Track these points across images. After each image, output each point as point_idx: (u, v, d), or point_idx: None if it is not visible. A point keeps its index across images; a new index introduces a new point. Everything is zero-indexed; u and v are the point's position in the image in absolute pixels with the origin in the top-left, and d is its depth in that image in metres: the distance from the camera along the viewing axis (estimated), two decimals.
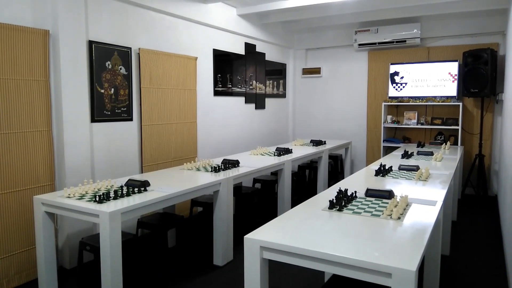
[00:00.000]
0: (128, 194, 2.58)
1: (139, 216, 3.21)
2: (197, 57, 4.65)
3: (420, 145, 5.05)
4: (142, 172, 3.92)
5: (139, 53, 3.86)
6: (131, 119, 3.85)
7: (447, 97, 5.59)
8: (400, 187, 2.66)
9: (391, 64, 5.99)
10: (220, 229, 3.27)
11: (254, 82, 5.89)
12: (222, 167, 3.54)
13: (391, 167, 3.27)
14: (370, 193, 2.37)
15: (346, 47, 6.57)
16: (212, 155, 4.94)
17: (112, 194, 2.56)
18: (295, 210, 2.10)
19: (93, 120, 3.46)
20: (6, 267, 2.88)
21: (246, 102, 5.74)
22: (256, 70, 5.91)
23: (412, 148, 4.88)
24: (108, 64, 3.57)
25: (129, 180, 2.84)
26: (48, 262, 2.62)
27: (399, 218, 1.94)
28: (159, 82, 4.11)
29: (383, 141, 6.05)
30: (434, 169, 3.35)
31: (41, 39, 3.04)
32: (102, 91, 3.53)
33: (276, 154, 4.44)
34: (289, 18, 5.76)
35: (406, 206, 2.15)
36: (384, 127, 6.04)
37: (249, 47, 5.73)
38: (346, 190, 2.32)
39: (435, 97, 5.67)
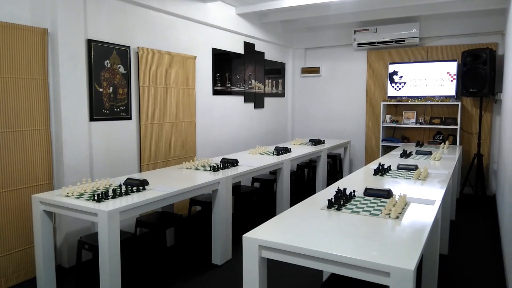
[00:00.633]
0: (126, 193, 2.58)
1: (138, 215, 3.21)
2: (196, 56, 4.65)
3: (418, 144, 5.05)
4: (140, 171, 3.92)
5: (138, 52, 3.86)
6: (129, 118, 3.84)
7: (446, 97, 5.60)
8: (399, 186, 2.66)
9: (390, 63, 5.99)
10: (218, 228, 3.27)
11: (253, 81, 5.89)
12: (221, 166, 3.53)
13: (389, 166, 3.27)
14: (368, 192, 2.37)
15: (345, 47, 6.57)
16: (211, 154, 4.94)
17: (110, 193, 2.56)
18: (294, 209, 2.11)
19: (91, 119, 3.46)
20: (4, 265, 2.88)
21: (245, 101, 5.74)
22: (255, 69, 5.91)
23: (410, 147, 4.89)
24: (107, 63, 3.57)
25: (128, 179, 2.84)
26: (46, 261, 2.62)
27: (397, 217, 1.95)
28: (158, 81, 4.11)
29: (382, 141, 6.05)
30: (432, 168, 3.36)
31: (39, 37, 3.04)
32: (101, 90, 3.53)
33: (275, 153, 4.44)
34: (288, 18, 5.76)
35: (405, 205, 2.16)
36: (383, 126, 6.04)
37: (248, 46, 5.73)
38: (344, 190, 2.33)
39: (434, 96, 5.68)
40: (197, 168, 3.54)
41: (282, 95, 6.86)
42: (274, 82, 6.54)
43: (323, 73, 6.88)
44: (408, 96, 5.87)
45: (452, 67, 5.54)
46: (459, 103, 5.44)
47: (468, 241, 3.86)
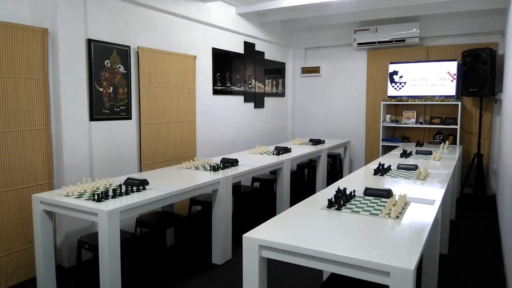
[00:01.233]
0: (126, 193, 2.58)
1: (138, 215, 3.21)
2: (196, 56, 4.65)
3: (418, 144, 5.05)
4: (140, 171, 3.92)
5: (138, 52, 3.86)
6: (130, 118, 3.84)
7: (446, 97, 5.59)
8: (399, 186, 2.66)
9: (390, 63, 5.99)
10: (219, 228, 3.27)
11: (253, 81, 5.89)
12: (221, 166, 3.53)
13: (389, 166, 3.27)
14: (368, 192, 2.37)
15: (345, 46, 6.56)
16: (211, 154, 4.94)
17: (110, 193, 2.55)
18: (294, 209, 2.11)
19: (91, 118, 3.46)
20: (4, 265, 2.88)
21: (245, 101, 5.74)
22: (255, 69, 5.91)
23: (411, 147, 4.89)
24: (107, 63, 3.56)
25: (128, 178, 2.84)
26: (46, 260, 2.62)
27: (397, 217, 1.95)
28: (158, 81, 4.11)
29: (382, 140, 6.05)
30: (432, 168, 3.36)
31: (39, 37, 3.04)
32: (101, 89, 3.53)
33: (275, 153, 4.44)
34: (289, 17, 5.76)
35: (405, 205, 2.16)
36: (383, 126, 6.04)
37: (248, 46, 5.73)
38: (344, 189, 2.33)
39: (434, 96, 5.68)
40: (197, 168, 3.54)
41: (282, 95, 6.86)
42: (274, 82, 6.54)
43: (323, 73, 6.88)
44: (408, 96, 5.87)
45: (452, 67, 5.54)
46: (459, 103, 5.44)
47: (468, 241, 3.86)
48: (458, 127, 5.46)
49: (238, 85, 5.54)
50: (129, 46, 3.78)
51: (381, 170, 3.12)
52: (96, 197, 2.42)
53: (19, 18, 2.92)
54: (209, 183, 3.09)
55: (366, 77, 6.45)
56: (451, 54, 5.70)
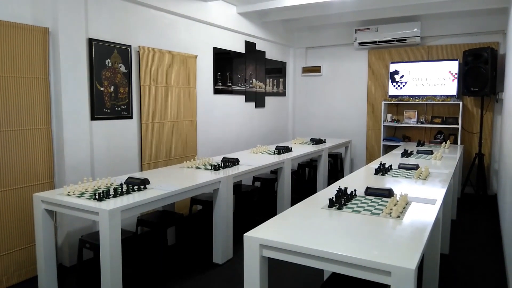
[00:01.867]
0: (127, 192, 2.58)
1: (139, 214, 3.21)
2: (197, 55, 4.65)
3: (420, 144, 5.05)
4: (141, 170, 3.92)
5: (139, 51, 3.86)
6: (130, 117, 3.85)
7: (447, 96, 5.59)
8: (400, 185, 2.66)
9: (391, 62, 5.98)
10: (219, 227, 3.27)
11: (254, 80, 5.88)
12: (222, 165, 3.53)
13: (390, 165, 3.27)
14: (369, 191, 2.37)
15: (346, 46, 6.56)
16: (212, 153, 4.94)
17: (111, 192, 2.56)
18: (295, 209, 2.11)
19: (92, 118, 3.46)
20: (5, 264, 2.89)
21: (246, 100, 5.74)
22: (256, 69, 5.91)
23: (412, 147, 4.88)
24: (108, 62, 3.57)
25: (129, 178, 2.84)
26: (47, 259, 2.63)
27: (398, 216, 1.94)
28: (159, 80, 4.11)
29: (383, 140, 6.05)
30: (433, 168, 3.35)
31: (41, 36, 3.04)
32: (102, 89, 3.53)
33: (276, 152, 4.44)
34: (289, 17, 5.76)
35: (406, 204, 2.16)
36: (384, 125, 6.04)
37: (249, 46, 5.72)
38: (345, 189, 2.33)
39: (435, 96, 5.67)
40: (198, 167, 3.54)
41: (283, 94, 6.86)
42: (275, 81, 6.54)
43: (324, 72, 6.88)
44: (409, 96, 5.87)
45: (453, 66, 5.53)
46: (460, 103, 5.43)
47: (469, 240, 3.85)
48: (459, 126, 5.45)
49: (239, 85, 5.54)
50: (130, 46, 3.78)
51: (382, 170, 3.12)
52: (97, 196, 2.42)
53: (20, 18, 2.92)
54: (210, 183, 3.09)
55: (367, 77, 6.44)
56: (452, 54, 5.69)
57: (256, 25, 5.78)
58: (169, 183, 2.87)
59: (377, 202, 2.21)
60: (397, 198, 2.19)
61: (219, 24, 4.97)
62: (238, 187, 4.14)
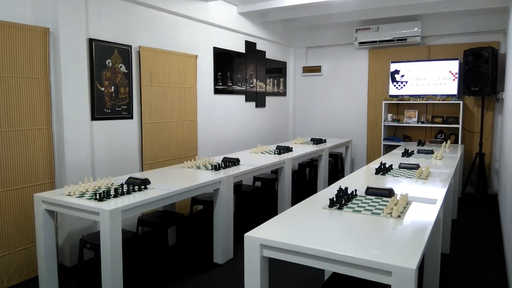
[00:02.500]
0: (128, 192, 2.58)
1: (140, 214, 3.21)
2: (197, 55, 4.65)
3: (420, 143, 5.04)
4: (142, 170, 3.92)
5: (139, 51, 3.86)
6: (131, 117, 3.85)
7: (448, 96, 5.58)
8: (400, 185, 2.66)
9: (392, 62, 5.98)
10: (220, 227, 3.27)
11: (254, 80, 5.88)
12: (223, 165, 3.54)
13: (391, 165, 3.27)
14: (370, 191, 2.37)
15: (346, 45, 6.56)
16: (213, 153, 4.94)
17: (112, 192, 2.56)
18: (295, 208, 2.11)
19: (93, 118, 3.46)
20: (6, 264, 2.89)
21: (246, 100, 5.74)
22: (256, 68, 5.91)
23: (412, 146, 4.88)
24: (109, 62, 3.57)
25: (130, 178, 2.84)
26: (48, 260, 2.63)
27: (399, 216, 1.94)
28: (160, 80, 4.11)
29: (384, 140, 6.04)
30: (434, 167, 3.35)
31: (41, 37, 3.04)
32: (103, 89, 3.53)
33: (276, 152, 4.44)
34: (290, 16, 5.75)
35: (406, 204, 2.15)
36: (384, 125, 6.03)
37: (250, 45, 5.72)
38: (346, 189, 2.32)
39: (435, 95, 5.67)
40: (198, 167, 3.54)
41: (284, 94, 6.86)
42: (275, 81, 6.53)
43: (325, 72, 6.87)
44: (409, 95, 5.86)
45: (454, 66, 5.53)
46: (461, 102, 5.43)
47: (470, 240, 3.85)
48: (459, 126, 5.45)
49: (239, 85, 5.54)
50: (131, 46, 3.78)
51: (383, 170, 3.12)
52: (98, 197, 2.42)
53: (20, 18, 2.92)
54: (211, 183, 3.09)
55: (367, 76, 6.44)
56: (452, 53, 5.69)
57: (257, 25, 5.78)
58: (169, 183, 2.87)
59: (378, 202, 2.20)
60: (398, 198, 2.19)
61: (219, 24, 4.97)
62: (238, 187, 4.14)
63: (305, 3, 4.84)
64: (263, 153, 4.47)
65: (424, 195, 2.37)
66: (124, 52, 3.71)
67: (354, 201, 2.23)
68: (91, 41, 3.39)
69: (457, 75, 5.51)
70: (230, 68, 5.31)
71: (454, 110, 5.69)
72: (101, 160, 3.55)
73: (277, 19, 5.91)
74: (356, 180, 2.87)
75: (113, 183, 2.85)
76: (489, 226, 4.28)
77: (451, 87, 5.56)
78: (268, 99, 6.34)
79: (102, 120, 3.55)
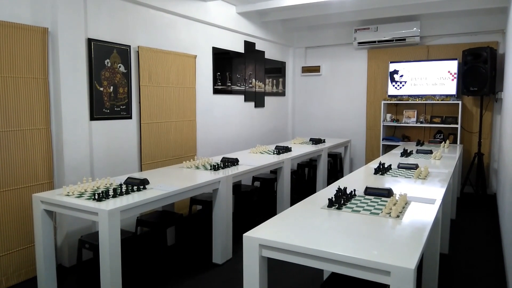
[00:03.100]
0: (127, 192, 2.58)
1: (138, 214, 3.21)
2: (196, 55, 4.64)
3: (419, 143, 5.05)
4: (141, 170, 3.92)
5: (138, 51, 3.85)
6: (130, 117, 3.84)
7: (447, 96, 5.59)
8: (399, 185, 2.66)
9: (391, 62, 5.99)
10: (219, 227, 3.27)
11: (253, 80, 5.88)
12: (222, 165, 3.53)
13: (390, 165, 3.27)
14: (369, 191, 2.37)
15: (345, 46, 6.56)
16: (212, 153, 4.94)
17: (111, 192, 2.56)
18: (294, 208, 2.11)
19: (92, 118, 3.46)
20: (5, 265, 2.88)
21: (245, 100, 5.74)
22: (255, 68, 5.91)
23: (411, 146, 4.88)
24: (107, 62, 3.56)
25: (128, 178, 2.84)
26: (47, 260, 2.62)
27: (398, 216, 1.94)
28: (158, 80, 4.11)
29: (383, 140, 6.05)
30: (433, 167, 3.35)
31: (40, 37, 3.03)
32: (101, 89, 3.53)
33: (275, 152, 4.44)
34: (289, 16, 5.76)
35: (405, 204, 2.16)
36: (383, 125, 6.04)
37: (249, 45, 5.72)
38: (345, 189, 2.33)
39: (434, 95, 5.67)
40: (197, 167, 3.54)
41: (283, 94, 6.86)
42: (274, 81, 6.54)
43: (324, 72, 6.88)
44: (408, 95, 5.87)
45: (452, 66, 5.54)
46: (460, 102, 5.43)
47: (468, 240, 3.86)
48: (458, 126, 5.45)
49: (239, 85, 5.54)
50: (129, 46, 3.77)
51: (382, 170, 3.12)
52: (96, 197, 2.42)
53: (19, 18, 2.92)
54: (210, 183, 3.09)
55: (366, 76, 6.45)
56: (451, 53, 5.69)
57: (256, 25, 5.78)
58: (168, 183, 2.87)
59: (377, 202, 2.21)
60: (397, 198, 2.19)
61: (218, 24, 4.96)
62: (237, 187, 4.14)
63: (304, 3, 4.84)
64: (262, 153, 4.47)
65: (423, 195, 2.37)
66: (123, 52, 3.71)
67: (353, 201, 2.23)
68: (90, 41, 3.39)
69: (456, 75, 5.52)
70: (229, 68, 5.31)
71: (453, 110, 5.70)
72: (100, 160, 3.55)
73: (276, 19, 5.91)
74: (355, 180, 2.87)
75: (112, 183, 2.85)
76: (488, 226, 4.28)
77: (450, 87, 5.56)
78: (267, 99, 6.34)
79: (101, 120, 3.55)
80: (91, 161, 3.45)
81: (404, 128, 6.18)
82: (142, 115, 3.94)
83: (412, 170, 3.16)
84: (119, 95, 3.70)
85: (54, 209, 2.54)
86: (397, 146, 5.50)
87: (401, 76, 5.91)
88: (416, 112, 5.95)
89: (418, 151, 4.25)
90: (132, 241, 2.73)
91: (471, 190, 5.61)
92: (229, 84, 5.33)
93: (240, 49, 5.54)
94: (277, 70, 6.61)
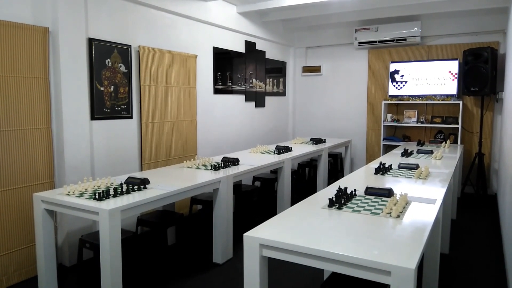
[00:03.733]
0: (127, 192, 2.58)
1: (139, 214, 3.21)
2: (197, 55, 4.65)
3: (420, 143, 5.05)
4: (141, 170, 3.92)
5: (139, 51, 3.86)
6: (130, 117, 3.85)
7: (447, 96, 5.59)
8: (400, 185, 2.66)
9: (391, 62, 5.98)
10: (219, 227, 3.27)
11: (254, 80, 5.88)
12: (222, 165, 3.54)
13: (390, 165, 3.27)
14: (369, 191, 2.37)
15: (346, 45, 6.56)
16: (212, 153, 4.94)
17: (111, 192, 2.56)
18: (295, 208, 2.11)
19: (92, 117, 3.46)
20: (5, 264, 2.89)
21: (246, 100, 5.74)
22: (256, 68, 5.91)
23: (412, 146, 4.88)
24: (108, 62, 3.57)
25: (129, 177, 2.84)
26: (47, 259, 2.63)
27: (398, 216, 1.94)
28: (159, 80, 4.11)
29: (383, 140, 6.05)
30: (433, 167, 3.35)
31: (41, 36, 3.04)
32: (102, 88, 3.53)
33: (276, 152, 4.44)
34: (289, 16, 5.75)
35: (406, 204, 2.16)
36: (384, 125, 6.03)
37: (249, 45, 5.72)
38: (345, 188, 2.33)
39: (435, 95, 5.67)
40: (198, 167, 3.54)
41: (283, 94, 6.86)
42: (275, 81, 6.53)
43: (324, 72, 6.88)
44: (409, 95, 5.87)
45: (453, 66, 5.53)
46: (461, 102, 5.43)
47: (469, 240, 3.85)
48: (459, 126, 5.45)
49: (239, 84, 5.54)
50: (130, 45, 3.78)
51: (382, 170, 3.12)
52: (97, 196, 2.42)
53: (20, 17, 2.92)
54: (210, 182, 3.09)
55: (367, 76, 6.44)
56: (452, 53, 5.69)
57: (256, 25, 5.78)
58: (169, 183, 2.87)
59: (377, 202, 2.21)
60: (397, 198, 2.19)
61: (219, 24, 4.96)
62: (238, 187, 4.14)
63: (304, 3, 4.84)
64: (262, 153, 4.47)
65: (424, 195, 2.37)
66: (124, 51, 3.71)
67: (353, 201, 2.23)
68: (90, 40, 3.39)
69: (456, 75, 5.51)
70: (229, 68, 5.31)
71: (454, 110, 5.70)
72: (100, 159, 3.55)
73: (277, 19, 5.91)
74: (356, 180, 2.87)
75: (112, 183, 2.85)
76: (488, 226, 4.28)
77: (451, 87, 5.56)
78: (268, 99, 6.34)
79: (101, 119, 3.55)
80: (92, 160, 3.46)
81: (405, 128, 6.17)
82: (143, 114, 3.94)
83: (412, 170, 3.16)
84: (119, 94, 3.70)
85: (55, 209, 2.54)
86: (397, 146, 5.50)
87: (402, 76, 5.90)
88: (416, 112, 5.94)
89: (418, 151, 4.25)
90: (132, 240, 2.74)
91: (471, 190, 5.61)
92: (230, 84, 5.33)
93: (241, 49, 5.54)
94: (277, 70, 6.61)
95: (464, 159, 5.64)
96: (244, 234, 1.70)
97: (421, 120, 5.90)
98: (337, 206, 2.10)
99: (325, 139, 5.57)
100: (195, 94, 4.63)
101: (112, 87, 3.63)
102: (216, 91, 5.07)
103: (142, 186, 2.72)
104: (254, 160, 3.94)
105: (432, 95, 5.69)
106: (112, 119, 3.65)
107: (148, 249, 3.58)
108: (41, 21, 3.06)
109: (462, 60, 5.38)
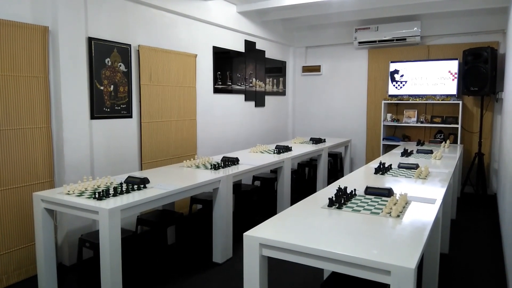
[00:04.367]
0: (127, 191, 2.58)
1: (139, 213, 3.21)
2: (196, 54, 4.64)
3: (419, 143, 5.05)
4: (141, 169, 3.92)
5: (138, 50, 3.85)
6: (130, 116, 3.84)
7: (447, 96, 5.59)
8: (400, 185, 2.66)
9: (391, 62, 5.98)
10: (219, 227, 3.27)
11: (254, 79, 5.88)
12: (222, 164, 3.53)
13: (390, 165, 3.27)
14: (369, 191, 2.37)
15: (346, 45, 6.56)
16: (212, 153, 4.94)
17: (111, 191, 2.56)
18: (295, 208, 2.11)
19: (92, 117, 3.46)
20: (5, 263, 2.89)
21: (245, 99, 5.73)
22: (256, 68, 5.91)
23: (411, 146, 4.88)
24: (108, 61, 3.56)
25: (129, 177, 2.84)
26: (47, 258, 2.62)
27: (398, 216, 1.95)
28: (159, 79, 4.11)
29: (383, 139, 6.05)
30: (433, 167, 3.35)
31: (40, 35, 3.03)
32: (102, 88, 3.53)
33: (275, 152, 4.44)
34: (289, 16, 5.75)
35: (406, 204, 2.16)
36: (383, 125, 6.04)
37: (249, 45, 5.72)
38: (345, 188, 2.33)
39: (435, 95, 5.67)
40: (197, 167, 3.54)
41: (283, 93, 6.86)
42: (275, 80, 6.53)
43: (324, 71, 6.88)
44: (409, 95, 5.87)
45: (453, 65, 5.53)
46: (460, 102, 5.43)
47: (468, 240, 3.86)
48: (459, 126, 5.45)
49: (239, 84, 5.54)
50: (130, 45, 3.77)
51: (382, 169, 3.12)
52: (97, 196, 2.42)
53: (20, 16, 2.92)
54: (210, 182, 3.09)
55: (367, 76, 6.44)
56: (452, 53, 5.69)
57: (256, 24, 5.77)
58: (168, 182, 2.87)
59: (377, 202, 2.21)
60: (397, 198, 2.19)
61: (219, 23, 4.96)
62: (237, 187, 4.14)
63: (304, 3, 4.84)
64: (262, 152, 4.47)
65: (423, 195, 2.37)
66: (124, 51, 3.71)
67: (353, 200, 2.24)
68: (90, 39, 3.39)
69: (456, 75, 5.52)
70: (229, 68, 5.30)
71: (454, 110, 5.70)
72: (100, 159, 3.55)
73: (277, 19, 5.91)
74: (355, 179, 2.87)
75: (112, 182, 2.85)
76: (488, 226, 4.28)
77: (451, 87, 5.56)
78: (268, 98, 6.34)
79: (101, 119, 3.55)
80: (92, 160, 3.45)
81: (405, 128, 6.18)
82: (143, 114, 3.94)
83: (412, 170, 3.16)
84: (119, 94, 3.70)
85: (55, 208, 2.54)
86: (397, 146, 5.50)
87: (402, 76, 5.90)
88: (416, 112, 5.95)
89: (418, 151, 4.25)
90: (132, 240, 2.74)
91: (471, 190, 5.61)
92: (230, 83, 5.33)
93: (241, 48, 5.53)
94: (277, 69, 6.60)
95: (464, 159, 5.65)
96: (244, 234, 1.70)
97: (421, 120, 5.90)
98: (337, 206, 2.10)
99: (324, 139, 5.57)
100: (194, 93, 4.63)
101: (112, 86, 3.62)
102: (216, 90, 5.07)
103: (142, 186, 2.72)
104: (254, 159, 3.94)
105: (432, 95, 5.69)
106: (111, 118, 3.65)
107: (148, 249, 3.58)
108: (41, 20, 3.06)
109: (462, 60, 5.38)
